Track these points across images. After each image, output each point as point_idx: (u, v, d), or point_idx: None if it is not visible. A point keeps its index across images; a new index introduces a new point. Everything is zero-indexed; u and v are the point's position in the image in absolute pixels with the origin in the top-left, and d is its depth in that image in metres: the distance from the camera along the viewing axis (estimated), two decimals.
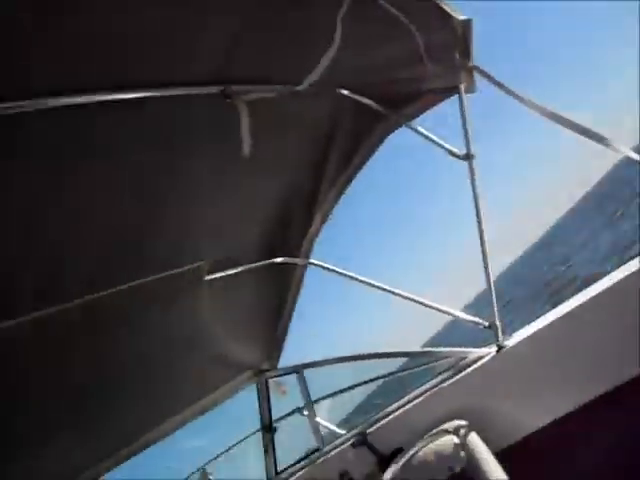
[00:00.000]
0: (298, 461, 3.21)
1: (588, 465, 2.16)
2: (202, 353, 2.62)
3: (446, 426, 2.37)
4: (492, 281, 2.37)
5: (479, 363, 2.46)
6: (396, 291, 2.69)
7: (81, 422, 2.25)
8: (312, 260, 2.70)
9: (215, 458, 3.69)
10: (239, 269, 2.40)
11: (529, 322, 2.46)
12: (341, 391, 3.35)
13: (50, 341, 1.76)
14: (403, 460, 2.42)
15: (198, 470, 3.40)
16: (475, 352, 2.51)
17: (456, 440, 2.27)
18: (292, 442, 3.80)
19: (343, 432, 3.04)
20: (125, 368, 2.22)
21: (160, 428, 2.85)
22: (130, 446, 2.73)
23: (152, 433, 2.82)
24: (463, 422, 2.36)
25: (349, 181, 2.46)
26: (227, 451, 3.66)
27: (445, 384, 2.58)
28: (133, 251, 1.81)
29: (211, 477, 3.49)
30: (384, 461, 2.59)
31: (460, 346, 2.64)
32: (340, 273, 2.72)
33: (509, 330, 2.54)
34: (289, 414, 3.30)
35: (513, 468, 2.13)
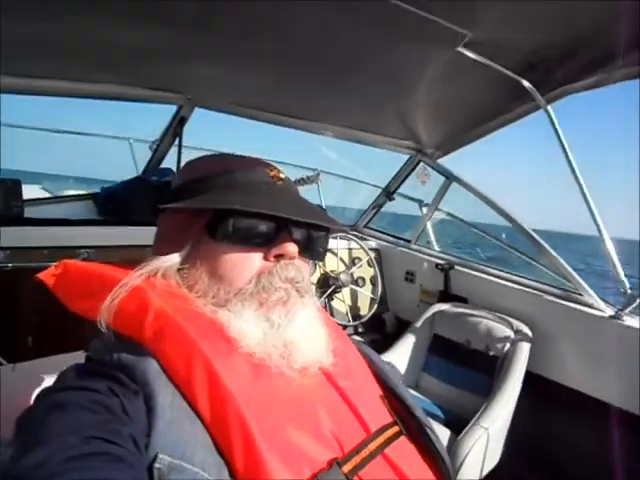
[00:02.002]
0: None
1: None
2: (404, 94, 2.55)
3: (513, 320, 2.54)
4: None
5: (588, 310, 2.43)
6: None
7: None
8: (550, 109, 2.35)
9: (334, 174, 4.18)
10: (490, 63, 2.14)
11: None
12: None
13: None
14: (463, 307, 2.70)
15: (315, 171, 3.89)
16: (593, 299, 2.45)
17: (512, 335, 2.46)
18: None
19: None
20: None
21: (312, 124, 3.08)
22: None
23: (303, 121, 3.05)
24: (528, 330, 2.51)
25: None
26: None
27: (544, 296, 2.62)
28: None
29: (320, 181, 4.01)
30: (447, 297, 2.90)
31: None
32: None
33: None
34: (414, 199, 3.52)
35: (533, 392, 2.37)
